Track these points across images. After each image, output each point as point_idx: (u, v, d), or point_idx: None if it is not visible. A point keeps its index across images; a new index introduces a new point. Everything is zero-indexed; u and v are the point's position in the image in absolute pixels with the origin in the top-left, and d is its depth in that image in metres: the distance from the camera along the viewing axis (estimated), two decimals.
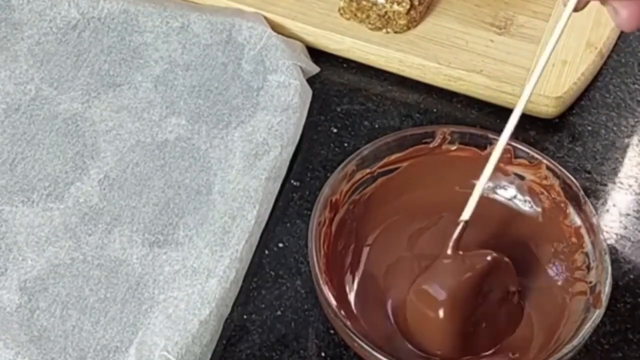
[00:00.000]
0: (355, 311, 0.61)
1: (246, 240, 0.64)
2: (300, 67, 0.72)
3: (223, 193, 0.66)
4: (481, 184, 0.58)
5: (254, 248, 0.65)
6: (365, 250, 0.63)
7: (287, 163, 0.69)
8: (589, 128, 0.72)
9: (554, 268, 0.62)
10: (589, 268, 0.60)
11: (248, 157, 0.68)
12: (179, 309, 0.61)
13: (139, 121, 0.70)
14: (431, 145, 0.64)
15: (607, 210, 0.68)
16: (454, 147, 0.64)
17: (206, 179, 0.67)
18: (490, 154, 0.59)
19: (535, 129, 0.72)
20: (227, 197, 0.66)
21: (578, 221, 0.62)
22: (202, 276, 0.62)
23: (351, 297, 0.61)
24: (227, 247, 0.63)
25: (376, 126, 0.72)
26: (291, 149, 0.69)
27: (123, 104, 0.71)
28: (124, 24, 0.74)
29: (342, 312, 0.58)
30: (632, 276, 0.65)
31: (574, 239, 0.62)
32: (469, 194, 0.59)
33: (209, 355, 0.61)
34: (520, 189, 0.64)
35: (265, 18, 0.75)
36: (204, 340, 0.60)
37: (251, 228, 0.64)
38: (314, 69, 0.74)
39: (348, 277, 0.62)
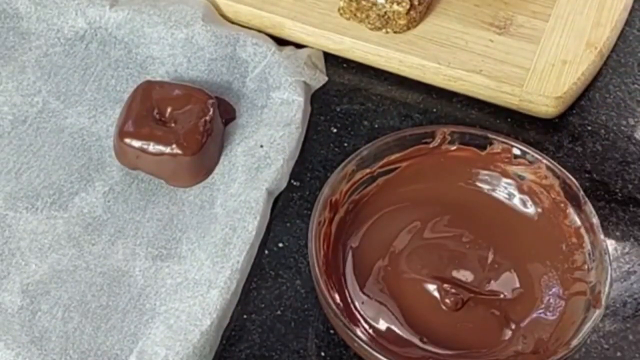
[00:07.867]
0: (355, 311, 0.61)
1: (247, 251, 0.64)
2: (305, 81, 0.72)
3: (225, 206, 0.66)
4: None
5: (252, 259, 0.65)
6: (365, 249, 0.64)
7: (288, 176, 0.68)
8: (589, 128, 0.72)
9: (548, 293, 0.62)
10: (589, 268, 0.60)
11: (250, 170, 0.67)
12: (180, 320, 0.61)
13: None
14: (431, 145, 0.64)
15: (607, 210, 0.68)
16: (453, 147, 0.64)
17: (209, 194, 0.67)
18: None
19: (535, 129, 0.72)
20: (229, 209, 0.66)
21: (578, 221, 0.62)
22: (203, 287, 0.62)
23: (351, 296, 0.61)
24: (228, 259, 0.63)
25: (376, 126, 0.72)
26: (292, 163, 0.69)
27: None
28: (130, 35, 0.73)
29: (342, 312, 0.59)
30: (632, 276, 0.65)
31: (574, 239, 0.62)
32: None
33: None
34: (520, 189, 0.64)
35: (265, 18, 0.75)
36: (204, 351, 0.60)
37: (252, 239, 0.64)
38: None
39: (348, 276, 0.62)
